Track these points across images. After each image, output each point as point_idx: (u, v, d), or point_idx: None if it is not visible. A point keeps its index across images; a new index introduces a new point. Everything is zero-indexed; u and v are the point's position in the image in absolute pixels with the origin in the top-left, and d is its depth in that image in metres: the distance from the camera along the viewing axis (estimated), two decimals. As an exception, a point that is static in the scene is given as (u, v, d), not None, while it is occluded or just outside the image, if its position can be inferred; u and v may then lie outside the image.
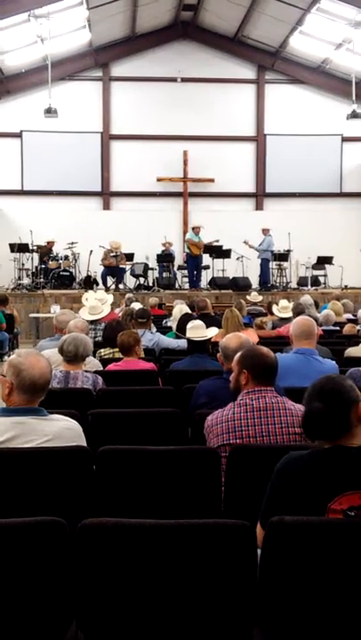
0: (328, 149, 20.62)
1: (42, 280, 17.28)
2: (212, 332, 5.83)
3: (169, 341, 7.38)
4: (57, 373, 4.63)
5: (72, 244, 17.68)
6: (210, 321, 6.82)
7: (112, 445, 3.05)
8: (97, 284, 17.29)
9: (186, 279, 18.56)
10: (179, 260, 19.12)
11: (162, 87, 20.10)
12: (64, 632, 2.15)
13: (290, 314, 8.98)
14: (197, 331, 5.72)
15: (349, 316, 9.95)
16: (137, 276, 18.00)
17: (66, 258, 17.71)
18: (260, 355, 3.40)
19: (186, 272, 18.59)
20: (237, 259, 18.13)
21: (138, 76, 20.08)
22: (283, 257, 18.41)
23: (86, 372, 4.84)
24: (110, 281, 17.38)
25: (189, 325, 5.83)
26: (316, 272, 18.71)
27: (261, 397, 3.27)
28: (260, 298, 14.00)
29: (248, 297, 13.75)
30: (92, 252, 17.47)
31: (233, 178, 20.26)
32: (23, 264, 17.78)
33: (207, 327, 5.84)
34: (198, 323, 5.85)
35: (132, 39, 19.94)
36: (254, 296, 13.96)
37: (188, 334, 5.76)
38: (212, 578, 2.07)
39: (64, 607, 2.11)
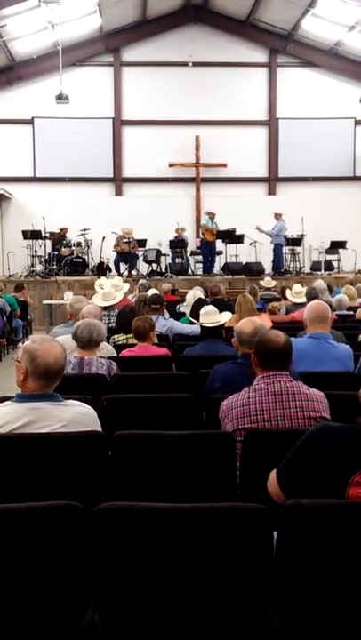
0: (341, 133, 20.47)
1: (55, 267, 17.30)
2: (225, 318, 5.83)
3: (182, 327, 7.37)
4: (71, 359, 4.63)
5: (84, 230, 17.69)
6: (223, 306, 6.79)
7: (127, 430, 3.06)
8: (110, 271, 17.30)
9: (198, 265, 18.53)
10: (191, 245, 19.08)
11: (173, 72, 19.98)
12: (81, 614, 2.16)
13: (303, 299, 8.96)
14: (210, 316, 5.71)
15: (363, 300, 9.91)
16: (150, 262, 17.97)
17: (78, 244, 17.72)
18: (267, 339, 3.39)
19: (198, 257, 18.55)
20: (250, 244, 18.08)
21: (149, 61, 19.96)
22: (296, 242, 18.33)
23: (100, 357, 4.85)
24: (123, 267, 17.37)
25: (202, 311, 5.82)
26: (329, 256, 18.63)
27: (276, 382, 3.27)
28: (274, 283, 13.97)
29: (261, 282, 13.73)
30: (104, 238, 17.45)
31: (245, 163, 20.15)
32: (36, 251, 17.83)
33: (220, 312, 5.83)
34: (211, 308, 5.84)
35: (143, 24, 19.80)
36: (268, 281, 13.94)
37: (201, 320, 5.76)
38: (228, 562, 2.07)
39: (81, 590, 2.13)
